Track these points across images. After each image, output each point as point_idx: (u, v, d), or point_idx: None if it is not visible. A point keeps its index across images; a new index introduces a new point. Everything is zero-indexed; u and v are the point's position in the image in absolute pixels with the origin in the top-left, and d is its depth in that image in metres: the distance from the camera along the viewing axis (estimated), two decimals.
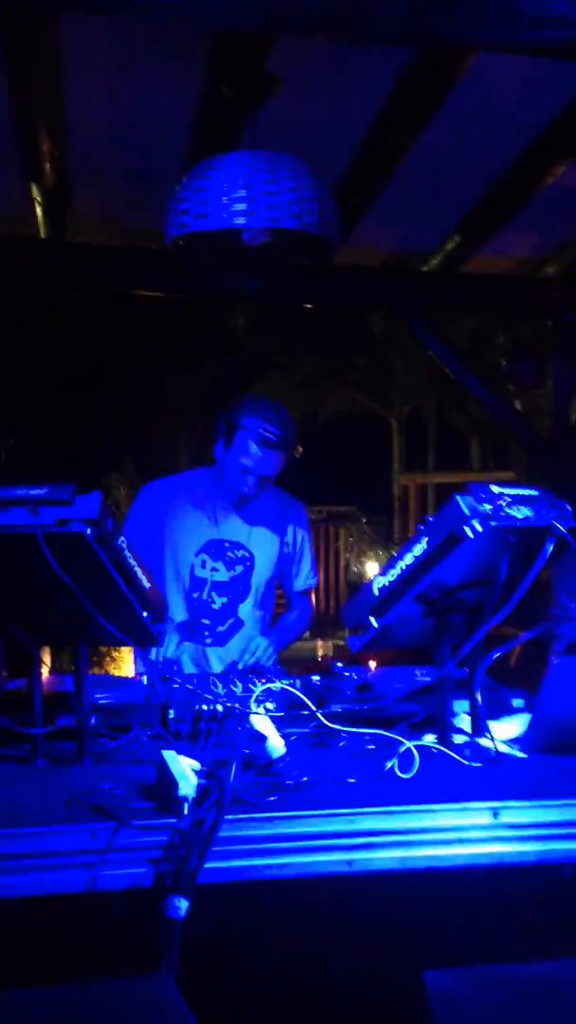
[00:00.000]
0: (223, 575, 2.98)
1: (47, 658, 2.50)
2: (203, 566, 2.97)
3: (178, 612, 2.97)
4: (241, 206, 2.37)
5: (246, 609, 3.00)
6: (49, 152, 3.25)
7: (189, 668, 2.87)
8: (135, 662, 3.07)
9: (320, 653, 7.94)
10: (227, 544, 2.99)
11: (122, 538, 1.93)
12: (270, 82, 2.67)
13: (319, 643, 8.02)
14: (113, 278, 4.30)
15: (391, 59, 2.80)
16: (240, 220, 2.40)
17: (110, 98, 3.01)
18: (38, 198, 3.61)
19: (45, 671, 2.28)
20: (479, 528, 1.94)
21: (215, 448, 2.93)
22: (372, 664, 2.63)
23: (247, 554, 3.00)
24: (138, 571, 1.98)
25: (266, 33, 2.52)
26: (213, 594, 2.97)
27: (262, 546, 3.01)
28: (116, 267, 4.17)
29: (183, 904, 1.51)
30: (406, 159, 3.31)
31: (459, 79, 2.84)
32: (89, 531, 1.81)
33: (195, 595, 2.97)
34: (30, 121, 3.07)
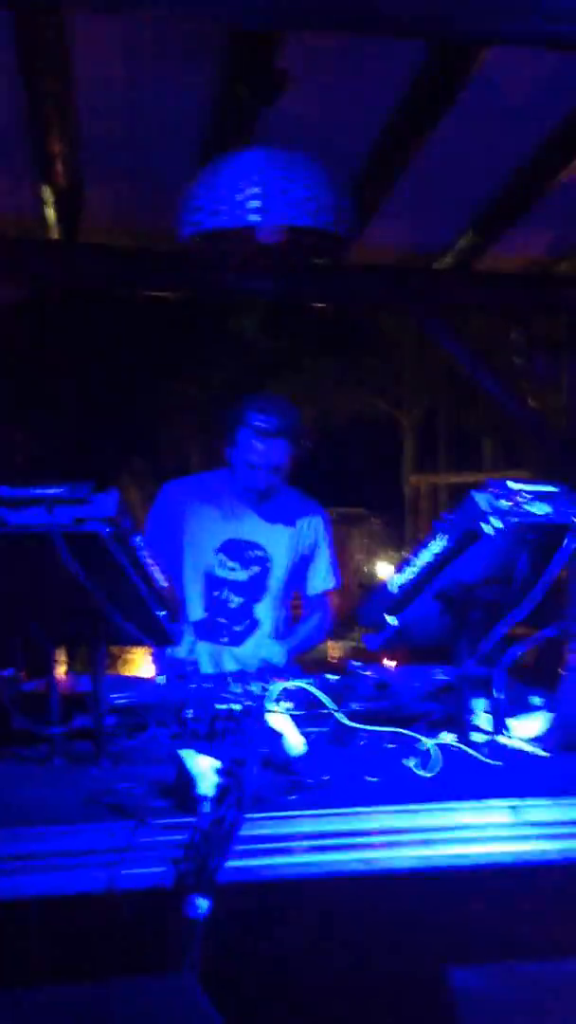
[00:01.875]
0: (240, 575, 2.97)
1: (63, 658, 2.50)
2: (221, 565, 2.97)
3: (196, 611, 2.97)
4: (255, 203, 2.36)
5: (263, 609, 2.99)
6: (61, 153, 3.25)
7: (206, 668, 2.87)
8: (154, 663, 3.07)
9: (332, 654, 7.91)
10: (245, 544, 2.99)
11: (138, 537, 1.93)
12: (282, 79, 2.65)
13: (330, 644, 7.99)
14: (125, 279, 4.30)
15: (404, 55, 2.79)
16: (253, 217, 2.39)
17: (121, 98, 3.01)
18: (50, 199, 3.60)
19: (62, 671, 2.27)
20: (498, 525, 1.92)
21: (225, 450, 2.95)
22: (389, 663, 2.62)
23: (264, 554, 2.99)
24: (154, 570, 1.98)
25: (278, 30, 2.50)
26: (230, 594, 2.97)
27: (279, 546, 3.00)
28: (128, 268, 4.16)
29: (203, 903, 1.50)
30: (419, 156, 3.29)
31: (472, 75, 2.82)
32: (107, 530, 1.80)
33: (213, 594, 2.96)
34: (42, 122, 3.06)
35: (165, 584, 2.02)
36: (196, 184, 2.52)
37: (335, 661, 7.07)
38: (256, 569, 2.98)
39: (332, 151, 2.75)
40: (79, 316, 10.66)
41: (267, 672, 2.49)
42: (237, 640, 2.97)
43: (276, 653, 2.85)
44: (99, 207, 3.71)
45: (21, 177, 3.44)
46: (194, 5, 2.23)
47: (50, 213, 3.72)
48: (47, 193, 3.56)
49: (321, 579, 3.10)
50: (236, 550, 2.98)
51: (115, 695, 2.19)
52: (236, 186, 2.39)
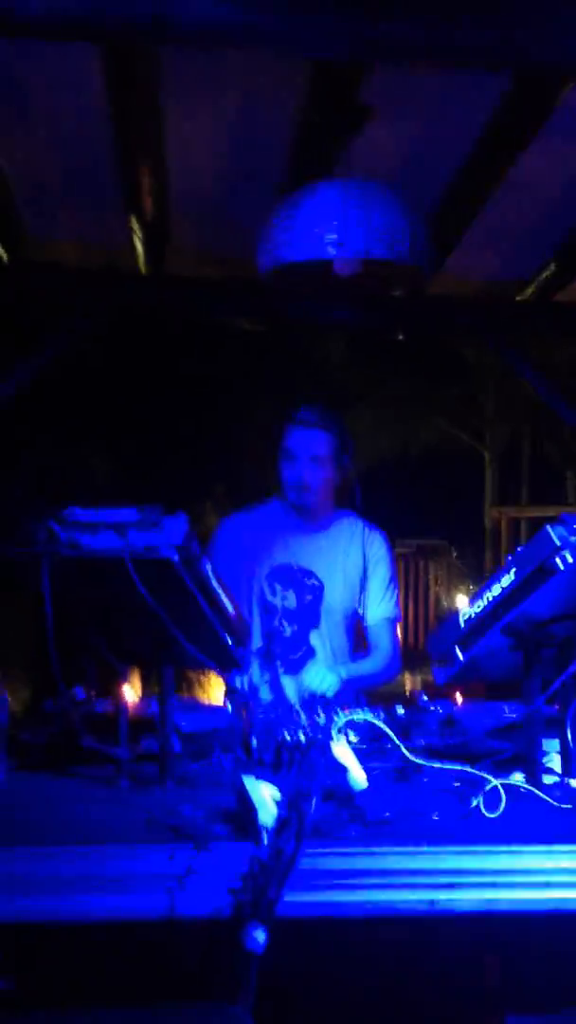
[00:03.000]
0: (292, 602, 2.97)
1: (137, 681, 2.52)
2: (273, 592, 2.98)
3: (254, 640, 2.98)
4: (332, 236, 2.38)
5: (318, 638, 2.98)
6: (149, 185, 3.33)
7: (265, 696, 2.86)
8: (224, 691, 3.07)
9: (408, 687, 7.82)
10: (297, 570, 2.99)
11: (207, 562, 1.94)
12: (364, 112, 2.68)
13: (407, 677, 7.90)
14: (209, 310, 4.37)
15: (488, 87, 2.78)
16: (331, 250, 2.41)
17: (207, 130, 3.07)
18: (137, 231, 3.69)
19: (135, 694, 2.30)
20: (570, 560, 1.88)
21: (276, 470, 3.00)
22: (458, 698, 2.57)
23: (316, 581, 2.99)
24: (222, 596, 1.99)
25: (362, 62, 2.53)
26: (284, 621, 2.97)
27: (332, 573, 2.99)
28: (212, 299, 4.23)
29: (261, 935, 1.49)
30: (502, 187, 3.28)
31: (557, 107, 2.80)
32: (175, 556, 1.82)
33: (268, 622, 2.97)
34: (130, 155, 3.15)
35: (233, 611, 2.03)
36: (274, 217, 2.55)
37: (407, 694, 6.98)
38: (309, 597, 2.97)
39: (415, 182, 2.76)
40: (163, 343, 10.87)
41: (334, 703, 2.47)
42: (294, 668, 2.95)
43: (324, 680, 2.79)
44: (185, 239, 3.78)
45: (110, 210, 3.53)
46: (279, 39, 2.27)
47: (138, 246, 3.80)
48: (135, 226, 3.64)
49: (379, 604, 3.01)
50: (288, 576, 2.98)
51: (182, 719, 2.20)
52: (313, 219, 2.42)
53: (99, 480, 11.14)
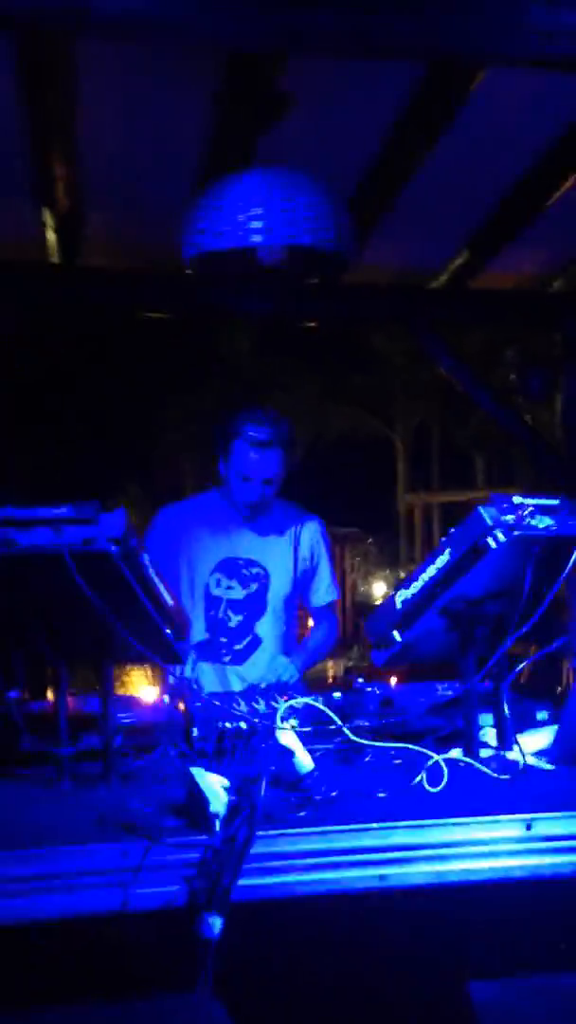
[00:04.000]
0: (238, 593, 2.98)
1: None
2: (218, 584, 2.97)
3: (197, 632, 2.97)
4: (258, 224, 2.39)
5: (264, 627, 2.99)
6: (62, 176, 3.27)
7: (210, 688, 2.86)
8: (162, 684, 3.05)
9: (331, 672, 7.91)
10: (241, 561, 2.99)
11: (145, 555, 1.93)
12: (282, 101, 2.68)
13: (330, 663, 7.99)
14: (124, 302, 4.32)
15: (401, 76, 2.82)
16: (257, 238, 2.41)
17: (123, 120, 3.03)
18: (50, 222, 3.62)
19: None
20: (502, 539, 1.94)
21: (218, 465, 2.97)
22: (393, 680, 2.62)
23: (262, 571, 3.00)
24: (161, 588, 1.98)
25: (277, 52, 2.53)
26: (229, 612, 2.97)
27: (277, 562, 3.01)
28: (127, 290, 4.18)
29: (217, 922, 1.50)
30: (415, 176, 3.32)
31: (468, 96, 2.86)
32: (115, 549, 1.81)
33: (212, 614, 2.97)
34: (43, 145, 3.09)
35: (172, 603, 2.03)
36: (198, 207, 2.54)
37: (333, 680, 7.05)
38: (254, 586, 2.99)
39: (330, 171, 2.78)
40: (71, 340, 10.70)
41: (272, 689, 2.49)
42: (239, 659, 2.96)
43: (286, 670, 2.83)
44: (99, 230, 3.73)
45: (23, 201, 3.46)
46: (194, 29, 2.26)
47: (50, 237, 3.73)
48: (48, 217, 3.58)
49: (325, 590, 3.09)
50: (233, 568, 2.98)
51: (121, 715, 2.19)
52: (238, 207, 2.42)
53: (10, 478, 10.93)
